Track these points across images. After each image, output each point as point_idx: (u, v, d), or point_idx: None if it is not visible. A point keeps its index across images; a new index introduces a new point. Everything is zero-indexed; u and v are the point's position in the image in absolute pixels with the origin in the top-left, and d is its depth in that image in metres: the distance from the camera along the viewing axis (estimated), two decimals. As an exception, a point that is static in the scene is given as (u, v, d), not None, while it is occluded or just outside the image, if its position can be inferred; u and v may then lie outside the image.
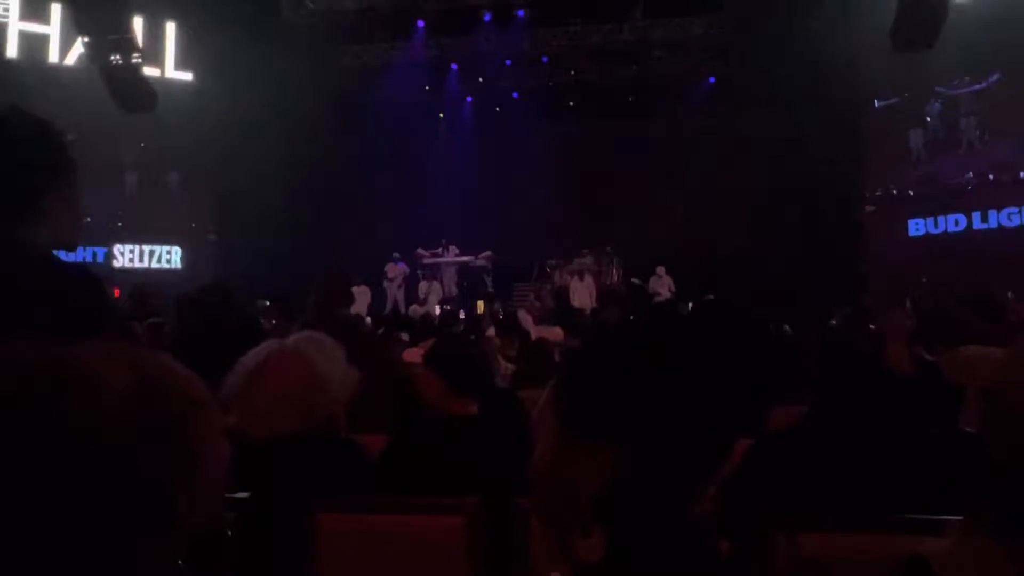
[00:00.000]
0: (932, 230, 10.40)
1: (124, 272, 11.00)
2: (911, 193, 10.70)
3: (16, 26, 10.78)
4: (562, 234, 12.54)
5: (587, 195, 12.78)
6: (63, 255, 1.38)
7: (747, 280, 9.71)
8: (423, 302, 11.85)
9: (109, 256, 11.44)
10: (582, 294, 11.41)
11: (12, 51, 10.73)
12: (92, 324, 1.07)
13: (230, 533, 0.64)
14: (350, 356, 1.59)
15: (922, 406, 1.87)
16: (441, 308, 11.49)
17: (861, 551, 1.31)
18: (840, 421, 1.48)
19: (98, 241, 11.22)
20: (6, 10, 10.74)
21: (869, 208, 11.03)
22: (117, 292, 7.90)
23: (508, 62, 13.11)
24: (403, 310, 11.12)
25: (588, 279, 11.68)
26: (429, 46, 12.55)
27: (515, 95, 13.86)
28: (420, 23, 12.34)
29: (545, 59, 13.22)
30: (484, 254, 12.86)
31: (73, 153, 1.42)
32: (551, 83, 13.57)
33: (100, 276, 1.40)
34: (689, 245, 11.74)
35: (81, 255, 10.89)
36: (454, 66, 13.28)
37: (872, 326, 3.37)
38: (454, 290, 12.50)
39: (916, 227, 10.56)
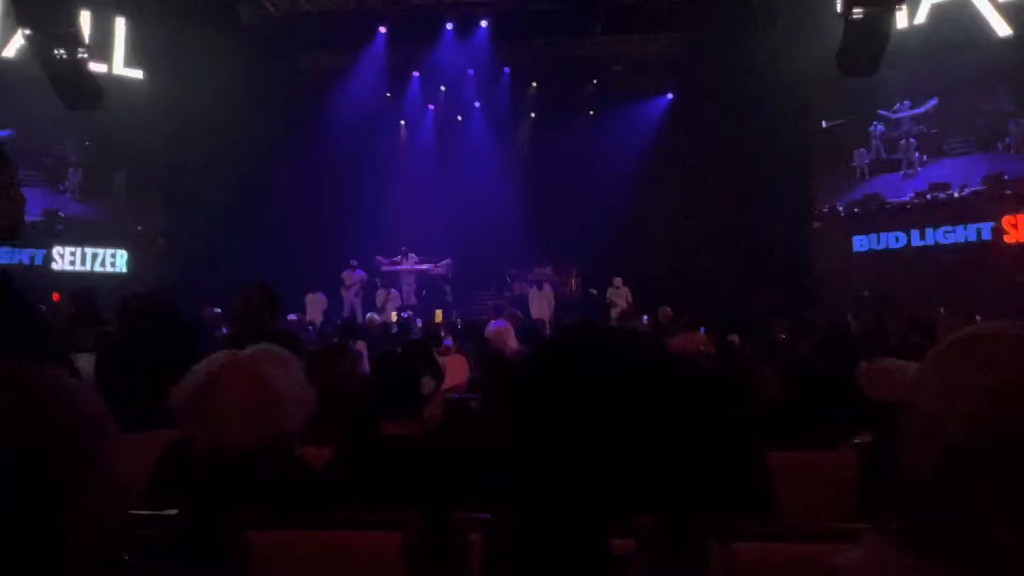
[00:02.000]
0: (875, 246, 10.86)
1: (64, 275, 10.51)
2: (856, 210, 11.16)
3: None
4: (521, 244, 12.60)
5: (546, 205, 12.89)
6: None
7: (700, 291, 9.94)
8: (381, 310, 11.70)
9: (47, 259, 10.91)
10: (541, 304, 11.47)
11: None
12: None
13: (126, 557, 0.61)
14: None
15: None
16: (399, 316, 11.37)
17: (793, 559, 1.35)
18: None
19: (36, 243, 10.69)
20: (-59, -2, 10.21)
21: (816, 224, 11.46)
22: (56, 296, 7.54)
23: (470, 72, 13.16)
24: (361, 318, 10.95)
25: (547, 289, 11.75)
26: (390, 53, 12.47)
27: (476, 105, 13.90)
28: (381, 29, 12.25)
29: (507, 70, 13.32)
30: (443, 262, 12.80)
31: (7, 148, 1.38)
32: (512, 94, 13.67)
33: (7, 282, 1.32)
34: (646, 257, 11.95)
35: (17, 257, 10.36)
36: (416, 74, 13.23)
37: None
38: (413, 298, 12.40)
39: (860, 243, 11.01)
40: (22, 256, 10.44)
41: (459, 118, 14.12)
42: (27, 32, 8.53)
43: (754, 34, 10.54)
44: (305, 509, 1.49)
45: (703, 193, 11.66)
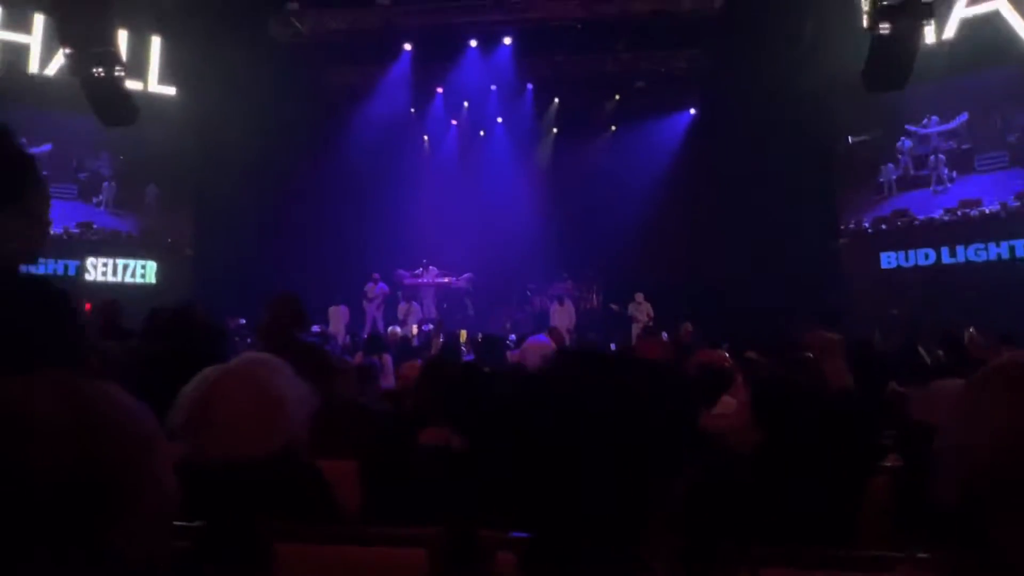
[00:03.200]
0: (903, 263, 10.65)
1: (96, 286, 10.78)
2: (883, 227, 10.97)
3: (10, 39, 10.70)
4: (543, 259, 12.61)
5: (568, 221, 12.90)
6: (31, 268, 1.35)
7: (723, 308, 9.83)
8: (402, 323, 11.78)
9: (81, 269, 11.21)
10: (562, 319, 11.44)
11: (-3, 63, 10.63)
12: (45, 352, 1.04)
13: (173, 567, 0.62)
14: (307, 381, 1.56)
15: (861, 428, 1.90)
16: (420, 329, 11.43)
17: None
18: (786, 454, 1.49)
19: (70, 254, 11.00)
20: (-13, 19, 10.65)
21: (843, 241, 11.28)
22: (88, 306, 7.73)
23: (493, 88, 13.29)
24: (383, 331, 11.03)
25: (568, 304, 11.72)
26: (415, 70, 12.67)
27: (499, 120, 14.02)
28: (407, 47, 12.46)
29: (530, 87, 13.42)
30: (464, 276, 12.86)
31: (40, 167, 1.39)
32: (535, 110, 13.77)
33: (64, 294, 1.36)
34: (667, 273, 11.88)
35: (52, 267, 10.67)
36: (439, 90, 13.41)
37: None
38: (433, 312, 12.46)
39: (888, 260, 10.81)
40: (57, 267, 10.75)
41: (482, 133, 14.25)
42: (68, 51, 8.84)
43: (779, 49, 10.49)
44: (322, 518, 1.49)
45: (726, 209, 11.57)
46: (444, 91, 13.41)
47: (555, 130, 14.07)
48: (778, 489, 1.48)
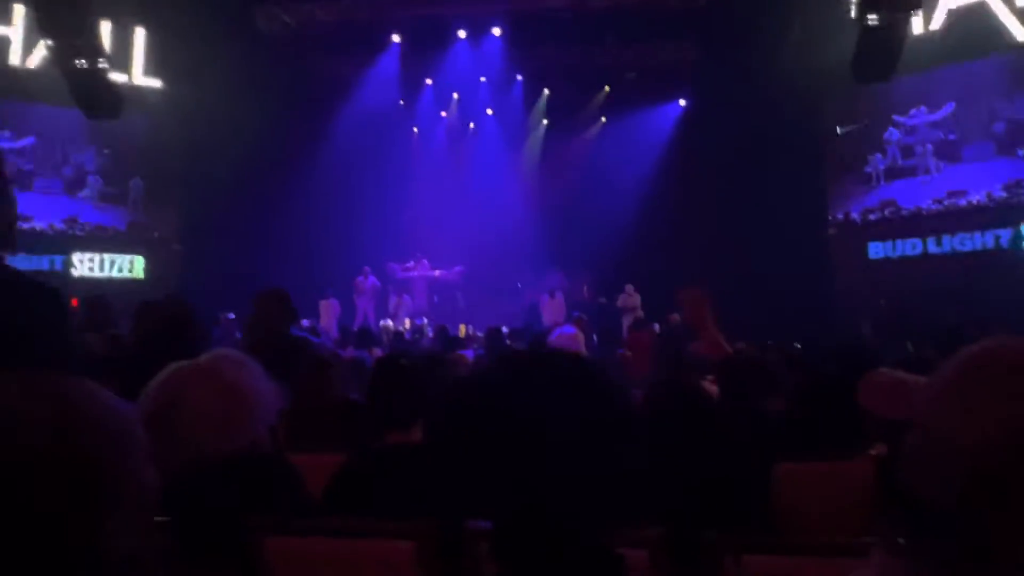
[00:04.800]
0: (891, 254, 10.74)
1: (83, 281, 10.68)
2: (871, 217, 11.05)
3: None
4: (533, 251, 12.61)
5: (558, 213, 12.90)
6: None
7: (713, 300, 9.88)
8: (394, 316, 11.77)
9: (68, 264, 11.10)
10: (554, 312, 11.47)
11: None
12: (29, 351, 1.04)
13: (157, 563, 0.63)
14: (294, 376, 1.56)
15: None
16: (412, 323, 11.42)
17: (805, 573, 1.34)
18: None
19: (57, 249, 10.88)
20: (-33, 10, 10.47)
21: (831, 231, 11.36)
22: (75, 302, 7.66)
23: (483, 79, 13.23)
24: (374, 324, 11.01)
25: (559, 296, 11.74)
26: (404, 61, 12.59)
27: (489, 112, 13.97)
28: (395, 38, 12.37)
29: (519, 78, 13.37)
30: (455, 269, 12.85)
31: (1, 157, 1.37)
32: (524, 102, 13.73)
33: (56, 292, 1.35)
34: (657, 263, 11.91)
35: (38, 263, 10.54)
36: (428, 82, 13.33)
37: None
38: (424, 305, 12.45)
39: (876, 250, 10.89)
40: (42, 262, 10.63)
41: (471, 125, 14.19)
42: (49, 42, 8.72)
43: (768, 40, 10.51)
44: (297, 510, 1.48)
45: (715, 200, 11.61)
46: (433, 83, 13.34)
47: (545, 122, 14.04)
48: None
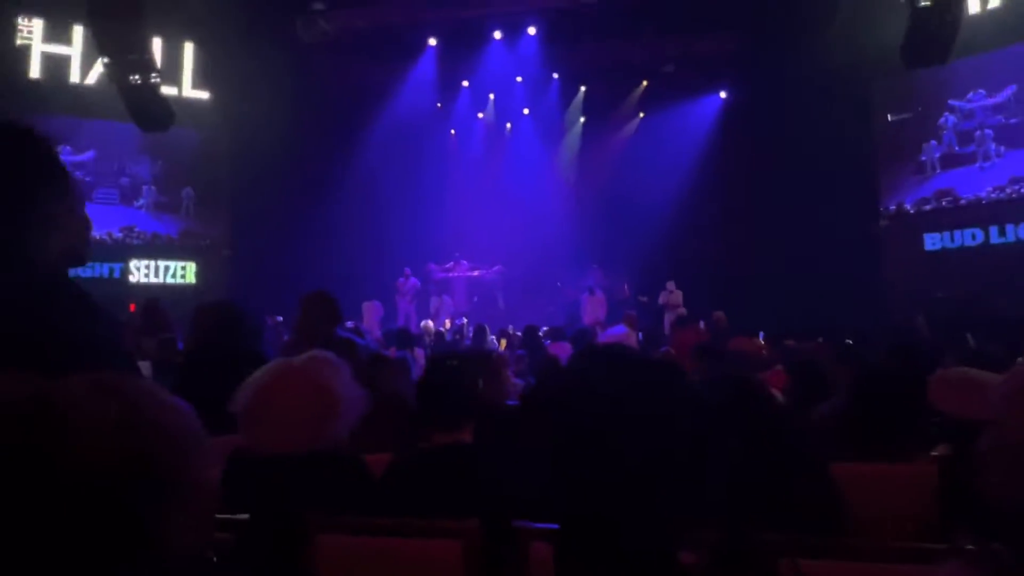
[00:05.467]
0: (948, 244, 10.27)
1: (140, 287, 11.16)
2: (927, 207, 10.59)
3: (39, 48, 11.09)
4: (573, 249, 12.55)
5: (597, 209, 12.80)
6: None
7: (759, 296, 9.64)
8: (434, 317, 11.89)
9: (125, 271, 11.62)
10: (593, 310, 11.38)
11: (36, 72, 11.02)
12: (90, 355, 1.08)
13: (215, 559, 0.65)
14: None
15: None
16: (452, 323, 11.52)
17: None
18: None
19: (116, 257, 11.41)
20: (30, 33, 11.05)
21: (883, 223, 10.93)
22: (132, 307, 8.02)
23: (519, 79, 13.24)
24: (415, 325, 11.15)
25: (599, 294, 11.65)
26: (440, 64, 12.71)
27: (526, 111, 13.97)
28: (431, 41, 12.50)
29: (556, 76, 13.33)
30: (495, 268, 12.90)
31: (62, 162, 1.40)
32: (561, 100, 13.68)
33: (103, 297, 1.40)
34: (700, 260, 11.69)
35: (98, 270, 11.07)
36: (465, 84, 13.42)
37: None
38: (465, 305, 12.54)
39: (932, 241, 10.43)
40: (102, 269, 11.16)
41: (508, 125, 14.22)
42: (106, 60, 9.15)
43: (813, 25, 10.17)
44: (367, 511, 1.52)
45: (761, 194, 11.31)
46: (470, 84, 13.42)
47: (582, 119, 13.95)
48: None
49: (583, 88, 13.53)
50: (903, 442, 2.01)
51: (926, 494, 1.86)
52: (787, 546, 1.31)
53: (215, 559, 0.68)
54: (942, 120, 10.46)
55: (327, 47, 12.04)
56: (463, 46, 12.29)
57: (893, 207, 10.91)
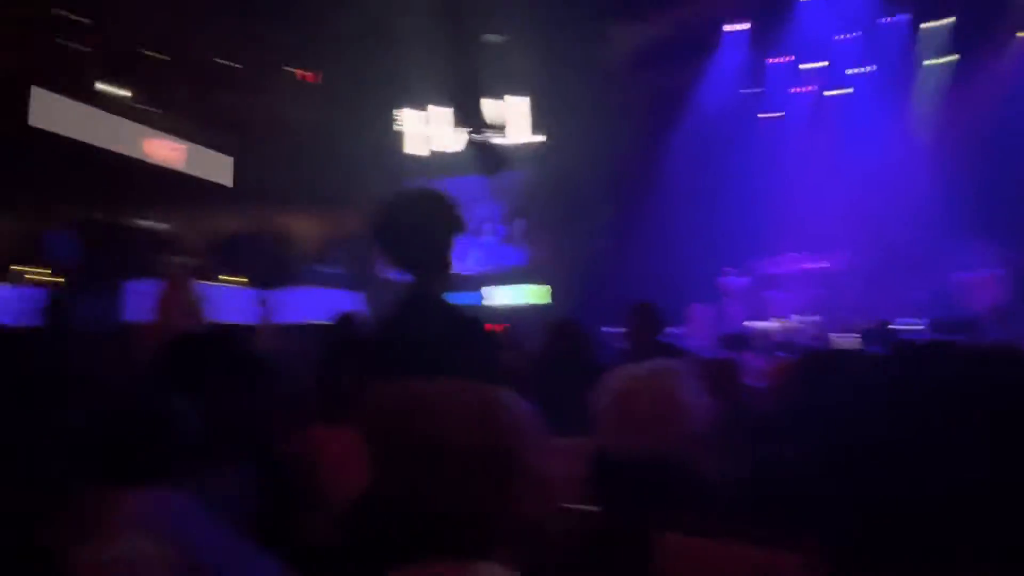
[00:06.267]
0: None
1: (498, 310, 13.26)
2: None
3: (418, 130, 14.37)
4: (939, 218, 10.27)
5: (975, 167, 10.23)
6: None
7: None
8: (766, 317, 11.17)
9: (485, 297, 14.03)
10: (987, 293, 9.10)
11: (413, 149, 14.25)
12: (466, 364, 1.46)
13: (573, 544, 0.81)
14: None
15: None
16: (785, 321, 10.62)
17: None
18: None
19: (475, 286, 13.81)
20: (401, 120, 14.27)
21: None
22: (488, 326, 9.62)
23: (851, 35, 11.57)
24: (744, 326, 10.59)
25: (995, 273, 9.24)
26: (747, 48, 12.05)
27: (859, 70, 12.08)
28: (734, 27, 11.94)
29: (901, 17, 11.23)
30: (837, 255, 11.42)
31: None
32: (911, 42, 11.42)
33: (477, 320, 1.87)
34: None
35: (468, 299, 13.57)
36: (776, 60, 12.32)
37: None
38: (800, 300, 11.43)
39: None
40: (470, 297, 13.67)
41: (837, 92, 12.49)
42: (462, 129, 11.50)
43: None
44: (709, 516, 1.55)
45: None
46: (782, 61, 12.28)
47: (945, 59, 11.32)
48: None
49: (940, 21, 11.03)
50: None
51: None
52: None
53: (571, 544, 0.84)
54: None
55: (631, 61, 12.56)
56: (769, 23, 11.40)
57: None
